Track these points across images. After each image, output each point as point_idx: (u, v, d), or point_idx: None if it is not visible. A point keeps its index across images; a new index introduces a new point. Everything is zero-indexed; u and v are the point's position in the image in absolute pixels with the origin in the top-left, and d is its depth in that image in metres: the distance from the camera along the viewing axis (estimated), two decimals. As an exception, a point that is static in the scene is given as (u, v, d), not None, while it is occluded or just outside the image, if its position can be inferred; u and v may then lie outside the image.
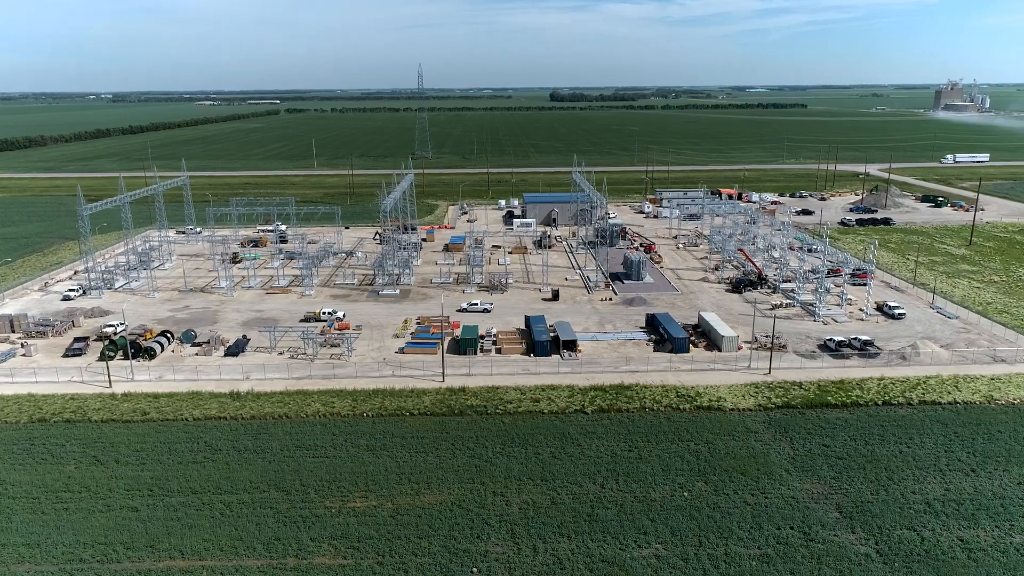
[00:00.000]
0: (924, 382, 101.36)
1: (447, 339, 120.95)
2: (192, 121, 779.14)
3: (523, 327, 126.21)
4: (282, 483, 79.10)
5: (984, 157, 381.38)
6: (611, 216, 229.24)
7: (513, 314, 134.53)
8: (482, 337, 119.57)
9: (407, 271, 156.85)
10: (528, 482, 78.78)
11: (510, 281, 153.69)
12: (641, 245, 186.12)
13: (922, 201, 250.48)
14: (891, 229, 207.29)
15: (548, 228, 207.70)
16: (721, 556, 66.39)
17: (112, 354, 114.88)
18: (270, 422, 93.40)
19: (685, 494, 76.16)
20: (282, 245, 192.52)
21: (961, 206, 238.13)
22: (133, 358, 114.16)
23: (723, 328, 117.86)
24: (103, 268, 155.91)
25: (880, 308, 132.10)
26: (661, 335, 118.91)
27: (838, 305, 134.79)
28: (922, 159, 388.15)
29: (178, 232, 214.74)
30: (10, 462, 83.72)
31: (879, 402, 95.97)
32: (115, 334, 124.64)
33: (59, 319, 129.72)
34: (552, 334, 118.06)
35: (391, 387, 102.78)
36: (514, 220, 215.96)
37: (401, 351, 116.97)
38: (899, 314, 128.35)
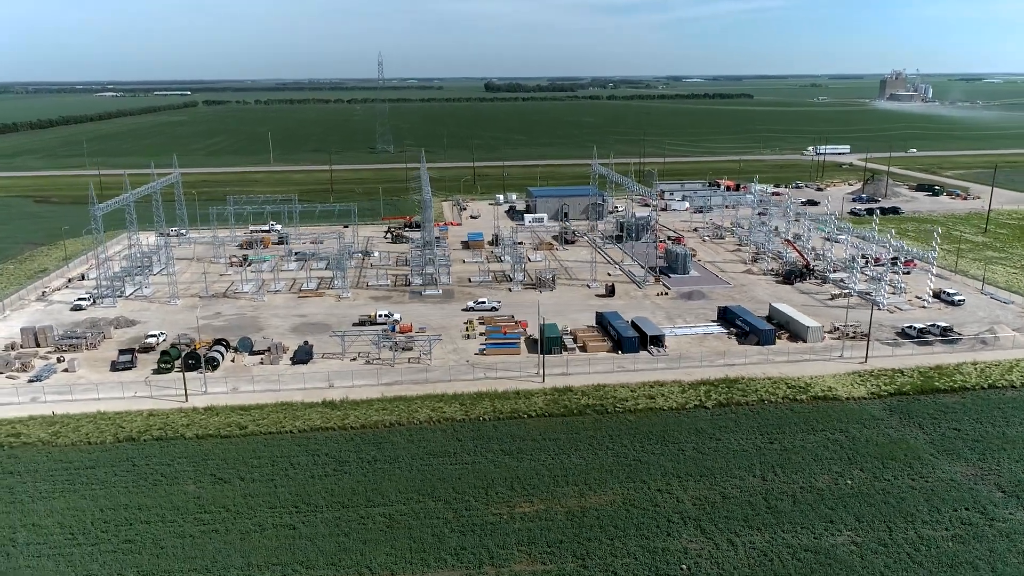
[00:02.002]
0: (1017, 365, 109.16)
1: (522, 338, 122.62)
2: (106, 114, 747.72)
3: (593, 324, 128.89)
4: (434, 492, 79.40)
5: (845, 149, 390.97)
6: (619, 209, 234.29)
7: (527, 311, 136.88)
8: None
9: (446, 270, 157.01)
10: (687, 478, 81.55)
11: (549, 278, 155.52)
12: (668, 238, 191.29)
13: (917, 190, 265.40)
14: (902, 218, 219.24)
15: (564, 223, 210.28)
16: (914, 539, 70.77)
17: (168, 366, 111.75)
18: (383, 430, 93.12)
19: (848, 482, 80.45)
20: (281, 246, 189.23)
21: (958, 195, 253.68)
22: (194, 369, 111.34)
23: (804, 319, 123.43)
24: (108, 275, 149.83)
25: (938, 295, 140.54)
26: (741, 328, 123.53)
27: (894, 293, 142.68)
28: (896, 149, 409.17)
29: (162, 235, 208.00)
30: (123, 484, 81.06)
31: (984, 386, 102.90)
32: (158, 344, 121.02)
33: (88, 331, 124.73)
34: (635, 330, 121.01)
35: (492, 389, 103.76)
36: (525, 216, 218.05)
37: (481, 352, 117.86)
38: (959, 300, 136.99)
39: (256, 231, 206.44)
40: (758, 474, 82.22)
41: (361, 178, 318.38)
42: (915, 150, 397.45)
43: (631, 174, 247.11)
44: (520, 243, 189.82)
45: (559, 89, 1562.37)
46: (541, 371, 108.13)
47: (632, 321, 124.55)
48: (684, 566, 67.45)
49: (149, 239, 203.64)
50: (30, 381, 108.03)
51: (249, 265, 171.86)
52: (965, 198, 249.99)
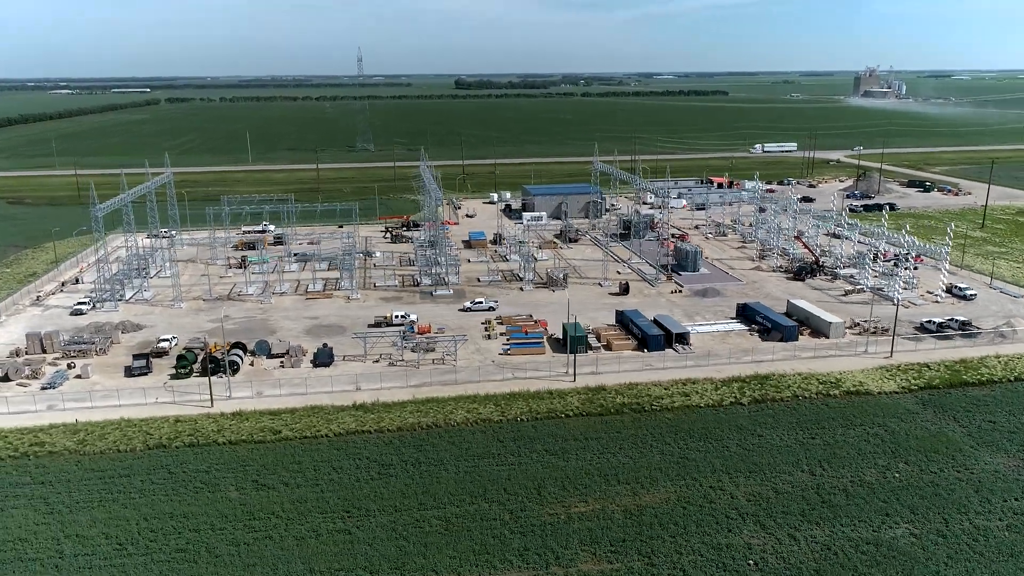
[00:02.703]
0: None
1: (545, 338, 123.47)
2: (66, 112, 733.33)
3: (612, 322, 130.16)
4: (485, 494, 79.84)
5: (792, 146, 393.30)
6: (616, 207, 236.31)
7: (542, 311, 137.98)
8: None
9: (454, 270, 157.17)
10: (737, 474, 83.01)
11: (561, 276, 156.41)
12: (672, 236, 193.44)
13: (908, 186, 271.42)
14: (899, 214, 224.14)
15: (566, 221, 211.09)
16: (971, 530, 72.94)
17: (186, 371, 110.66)
18: (420, 433, 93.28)
19: (896, 475, 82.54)
20: (278, 247, 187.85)
21: (950, 190, 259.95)
22: (214, 373, 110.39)
23: (826, 315, 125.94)
24: (104, 277, 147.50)
25: (949, 290, 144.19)
26: (763, 324, 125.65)
27: (906, 289, 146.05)
28: (879, 146, 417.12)
29: (149, 236, 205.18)
30: (163, 492, 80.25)
31: (1011, 378, 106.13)
32: (171, 349, 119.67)
33: (96, 336, 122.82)
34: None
35: (524, 390, 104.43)
36: (524, 214, 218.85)
37: (506, 352, 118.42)
38: (970, 295, 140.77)
39: (249, 232, 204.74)
40: (806, 469, 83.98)
41: (345, 177, 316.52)
42: (864, 147, 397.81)
43: (638, 171, 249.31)
44: (521, 242, 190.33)
45: (530, 86, 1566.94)
46: (572, 371, 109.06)
47: (654, 319, 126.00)
48: (751, 561, 68.78)
49: (139, 241, 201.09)
50: (43, 388, 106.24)
51: (248, 267, 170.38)
52: (957, 194, 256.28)
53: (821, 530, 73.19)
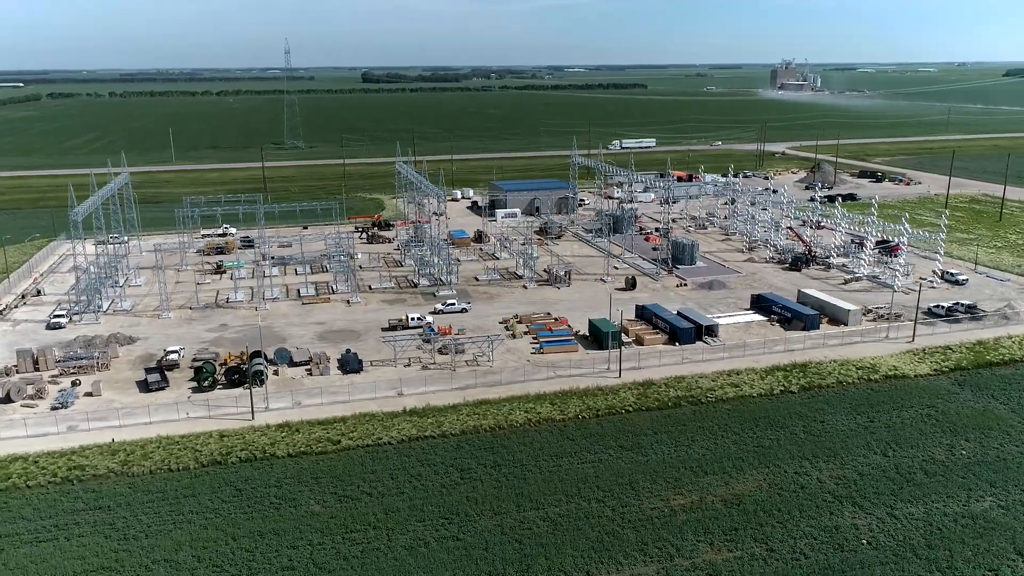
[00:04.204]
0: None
1: (574, 334, 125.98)
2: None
3: (632, 317, 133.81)
4: (580, 492, 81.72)
5: (651, 142, 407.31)
6: (585, 203, 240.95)
7: (553, 309, 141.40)
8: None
9: (455, 270, 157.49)
10: (815, 459, 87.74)
11: (563, 273, 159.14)
12: (656, 230, 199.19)
13: (860, 177, 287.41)
14: (862, 204, 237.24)
15: (548, 217, 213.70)
16: (1049, 499, 79.92)
17: (208, 383, 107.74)
18: (485, 435, 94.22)
19: (962, 452, 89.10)
20: (248, 251, 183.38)
21: (901, 180, 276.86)
22: (239, 385, 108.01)
23: (842, 303, 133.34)
24: (80, 288, 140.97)
25: (943, 276, 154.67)
26: (782, 314, 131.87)
27: (898, 276, 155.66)
28: (807, 137, 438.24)
29: (98, 243, 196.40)
30: (240, 510, 78.54)
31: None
32: (179, 361, 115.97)
33: (93, 351, 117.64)
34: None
35: (574, 387, 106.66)
36: (497, 211, 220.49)
37: (539, 351, 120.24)
38: (962, 280, 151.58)
39: (208, 235, 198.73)
40: (878, 451, 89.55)
41: (287, 176, 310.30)
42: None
43: (631, 165, 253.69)
44: (503, 239, 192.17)
45: (442, 79, 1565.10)
46: (618, 367, 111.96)
47: (679, 312, 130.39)
48: (864, 541, 73.31)
49: (87, 247, 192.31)
50: (54, 408, 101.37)
51: (223, 272, 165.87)
52: (908, 183, 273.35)
53: (915, 507, 78.55)
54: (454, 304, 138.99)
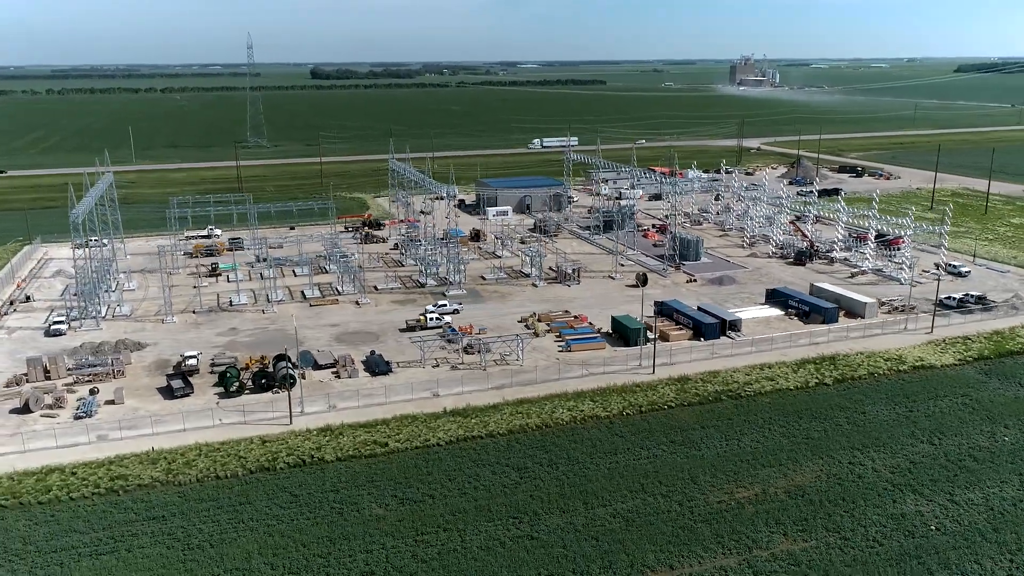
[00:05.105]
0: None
1: (597, 332, 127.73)
2: None
3: (654, 313, 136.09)
4: (643, 487, 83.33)
5: (573, 140, 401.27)
6: (574, 200, 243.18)
7: (568, 306, 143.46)
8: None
9: (461, 269, 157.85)
10: (866, 450, 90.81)
11: (573, 271, 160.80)
12: (653, 226, 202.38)
13: (840, 172, 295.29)
14: (847, 198, 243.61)
15: (544, 214, 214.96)
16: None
17: (236, 388, 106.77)
18: (533, 434, 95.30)
19: (1006, 439, 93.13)
20: (236, 252, 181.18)
21: (881, 175, 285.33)
22: (267, 390, 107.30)
23: (857, 296, 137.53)
24: (81, 292, 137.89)
25: (946, 268, 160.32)
26: (800, 308, 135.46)
27: (906, 268, 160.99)
28: (777, 133, 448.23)
29: (77, 246, 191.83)
30: (304, 516, 78.35)
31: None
32: (197, 365, 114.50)
33: (104, 358, 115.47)
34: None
35: (610, 384, 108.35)
36: (488, 209, 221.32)
37: (567, 349, 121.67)
38: (964, 272, 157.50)
39: (192, 237, 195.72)
40: (924, 440, 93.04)
41: (257, 175, 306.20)
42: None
43: (633, 160, 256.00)
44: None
45: (394, 75, 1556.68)
46: (652, 363, 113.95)
47: (699, 307, 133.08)
48: (933, 527, 76.33)
49: (61, 251, 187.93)
50: (77, 417, 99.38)
51: (218, 275, 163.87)
52: (888, 178, 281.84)
53: (973, 493, 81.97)
54: (446, 305, 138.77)
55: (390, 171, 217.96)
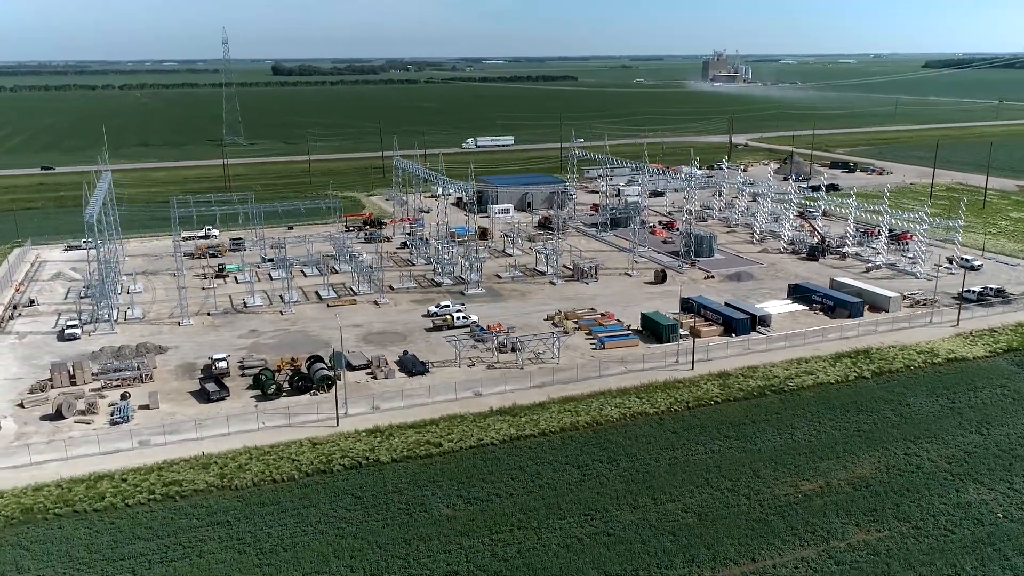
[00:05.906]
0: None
1: (626, 328, 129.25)
2: None
3: (680, 309, 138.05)
4: (708, 482, 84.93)
5: (509, 140, 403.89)
6: (572, 196, 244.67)
7: (590, 304, 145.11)
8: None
9: (477, 268, 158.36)
10: (917, 441, 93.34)
11: (591, 268, 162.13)
12: (660, 223, 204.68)
13: (832, 168, 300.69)
14: (844, 194, 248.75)
15: (550, 212, 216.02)
16: None
17: (273, 391, 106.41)
18: (585, 432, 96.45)
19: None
20: (237, 253, 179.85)
21: (874, 171, 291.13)
22: (304, 392, 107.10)
23: (881, 290, 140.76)
24: (93, 295, 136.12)
25: (959, 262, 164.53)
26: (824, 303, 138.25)
27: (915, 263, 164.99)
28: (759, 129, 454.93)
29: (69, 247, 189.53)
30: (372, 519, 78.64)
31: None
32: (227, 368, 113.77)
33: (131, 361, 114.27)
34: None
35: (652, 381, 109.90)
36: (490, 207, 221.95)
37: (601, 346, 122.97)
38: (977, 265, 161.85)
39: (188, 237, 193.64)
40: (973, 430, 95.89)
41: (241, 174, 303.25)
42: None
43: (644, 156, 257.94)
44: (507, 235, 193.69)
45: (359, 72, 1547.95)
46: (691, 359, 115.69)
47: (727, 303, 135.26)
48: (1000, 515, 78.87)
49: (53, 254, 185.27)
50: (114, 423, 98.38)
51: (224, 276, 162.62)
52: (880, 173, 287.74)
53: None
54: (448, 306, 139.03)
55: (394, 168, 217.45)
